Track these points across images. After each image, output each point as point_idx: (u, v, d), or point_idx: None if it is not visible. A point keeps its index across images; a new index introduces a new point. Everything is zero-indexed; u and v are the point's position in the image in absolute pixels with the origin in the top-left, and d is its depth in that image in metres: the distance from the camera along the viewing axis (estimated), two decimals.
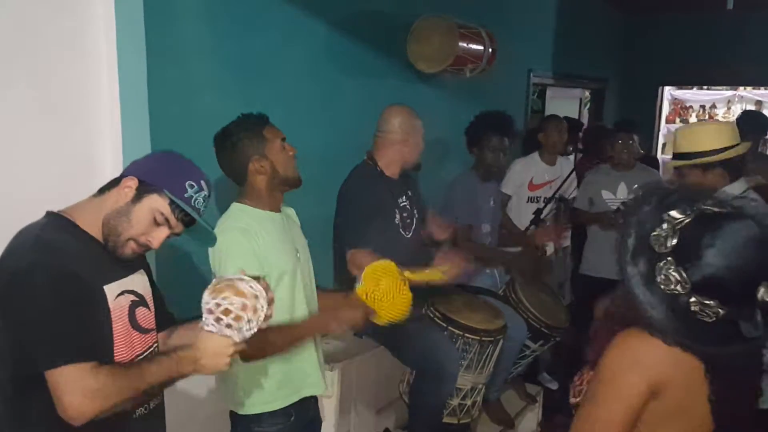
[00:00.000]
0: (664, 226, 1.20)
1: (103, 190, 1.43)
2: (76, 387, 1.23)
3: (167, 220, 1.41)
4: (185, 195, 1.42)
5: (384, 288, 1.93)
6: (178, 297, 1.70)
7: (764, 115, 4.38)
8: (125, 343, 1.39)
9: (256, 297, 1.38)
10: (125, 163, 1.91)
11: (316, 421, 2.13)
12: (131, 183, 1.39)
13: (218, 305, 1.35)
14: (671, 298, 1.19)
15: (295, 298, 1.92)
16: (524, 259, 3.47)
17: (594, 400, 1.26)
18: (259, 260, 1.81)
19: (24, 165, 1.78)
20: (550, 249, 3.95)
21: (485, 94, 3.89)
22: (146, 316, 1.47)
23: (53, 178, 1.81)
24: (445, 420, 2.75)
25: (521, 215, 3.73)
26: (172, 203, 1.40)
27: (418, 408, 2.64)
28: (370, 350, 2.74)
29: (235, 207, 1.94)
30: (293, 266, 1.92)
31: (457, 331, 2.69)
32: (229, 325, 1.35)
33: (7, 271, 1.28)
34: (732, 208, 1.21)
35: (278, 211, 1.97)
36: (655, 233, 1.21)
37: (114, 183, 1.43)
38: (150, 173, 1.41)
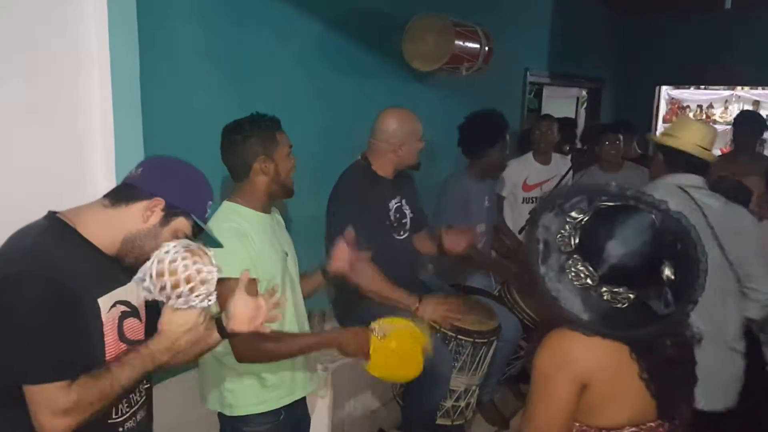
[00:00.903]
0: (567, 227, 1.31)
1: (116, 201, 1.38)
2: (48, 406, 1.21)
3: (186, 236, 1.42)
4: (205, 216, 1.47)
5: (396, 355, 1.94)
6: None
7: (761, 116, 4.38)
8: (115, 356, 1.35)
9: (185, 260, 1.31)
10: (117, 162, 1.90)
11: (305, 420, 2.13)
12: (159, 204, 1.38)
13: (163, 288, 1.29)
14: (584, 291, 1.29)
15: (283, 298, 1.90)
16: (509, 265, 3.47)
17: (531, 401, 1.36)
18: (253, 263, 1.80)
19: (13, 164, 1.75)
20: None
21: (481, 93, 3.87)
22: (134, 328, 1.42)
23: (44, 178, 1.78)
24: (439, 421, 2.74)
25: (517, 216, 3.72)
26: (194, 223, 1.43)
27: (412, 409, 2.63)
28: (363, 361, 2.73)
29: (227, 206, 1.92)
30: (282, 268, 1.92)
31: (450, 333, 2.68)
32: (179, 295, 1.29)
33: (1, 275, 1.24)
34: (626, 200, 1.31)
35: (269, 212, 1.96)
36: (559, 235, 1.31)
37: (129, 195, 1.38)
38: (176, 195, 1.40)
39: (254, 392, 1.89)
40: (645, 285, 1.27)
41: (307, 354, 1.98)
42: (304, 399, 2.08)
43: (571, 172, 3.91)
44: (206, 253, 1.33)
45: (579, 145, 5.23)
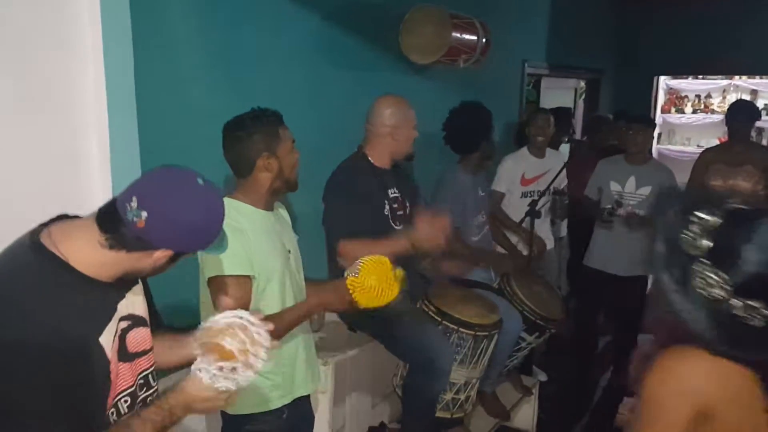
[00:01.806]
0: (693, 228, 1.15)
1: (116, 246, 1.20)
2: None
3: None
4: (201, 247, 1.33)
5: (373, 284, 1.91)
6: (166, 299, 1.67)
7: (754, 105, 4.37)
8: (115, 381, 1.27)
9: (245, 350, 1.28)
10: (113, 157, 1.88)
11: (309, 418, 2.12)
12: (166, 255, 1.25)
13: (209, 364, 1.26)
14: (712, 303, 1.12)
15: (284, 299, 1.89)
16: (510, 260, 3.46)
17: (639, 430, 1.19)
18: (250, 262, 1.79)
19: (6, 161, 1.74)
20: (549, 244, 3.95)
21: (479, 85, 3.86)
22: (139, 338, 1.34)
23: (37, 175, 1.77)
24: (438, 414, 2.74)
25: (516, 211, 3.71)
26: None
27: (412, 402, 2.63)
28: (364, 344, 2.72)
29: (227, 203, 1.88)
30: (282, 267, 1.90)
31: (451, 326, 2.67)
32: (225, 377, 1.26)
33: None
34: (754, 207, 1.17)
35: (271, 209, 1.95)
36: (685, 235, 1.15)
37: (132, 245, 1.21)
38: (186, 245, 1.27)
39: (256, 391, 1.88)
40: None
41: (299, 324, 1.93)
42: (307, 397, 2.08)
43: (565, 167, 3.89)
44: (252, 339, 1.29)
45: (577, 136, 5.22)
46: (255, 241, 1.82)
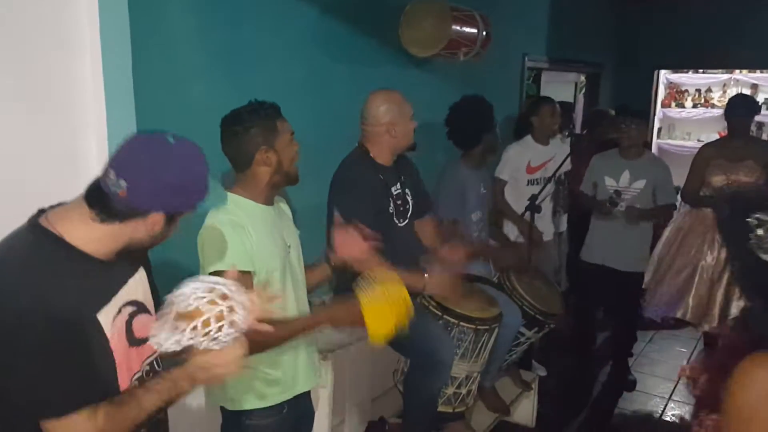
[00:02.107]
0: (758, 231, 1.11)
1: (107, 218, 1.24)
2: None
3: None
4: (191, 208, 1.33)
5: (387, 311, 1.84)
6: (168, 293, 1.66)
7: (753, 99, 4.36)
8: (125, 364, 1.32)
9: (215, 302, 1.26)
10: (111, 153, 1.87)
11: (309, 414, 2.12)
12: (159, 219, 1.27)
13: (180, 337, 1.25)
14: None
15: (285, 293, 1.88)
16: (508, 253, 3.45)
17: None
18: (249, 256, 1.78)
19: (4, 159, 1.73)
20: (547, 236, 3.94)
21: (479, 79, 3.85)
22: (145, 324, 1.36)
23: (37, 173, 1.76)
24: (440, 409, 2.74)
25: (520, 199, 3.70)
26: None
27: (413, 397, 2.63)
28: (364, 339, 2.70)
29: (227, 197, 1.90)
30: (282, 261, 1.89)
31: (452, 320, 2.67)
32: (213, 339, 1.25)
33: None
34: None
35: (271, 203, 1.93)
36: (752, 241, 1.12)
37: (122, 214, 1.24)
38: (175, 205, 1.28)
39: (256, 387, 1.88)
40: None
41: (305, 335, 1.93)
42: (308, 393, 2.07)
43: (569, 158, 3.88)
44: (228, 299, 1.27)
45: (577, 130, 5.21)
46: (255, 236, 1.81)
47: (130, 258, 1.34)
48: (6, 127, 1.70)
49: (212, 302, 1.25)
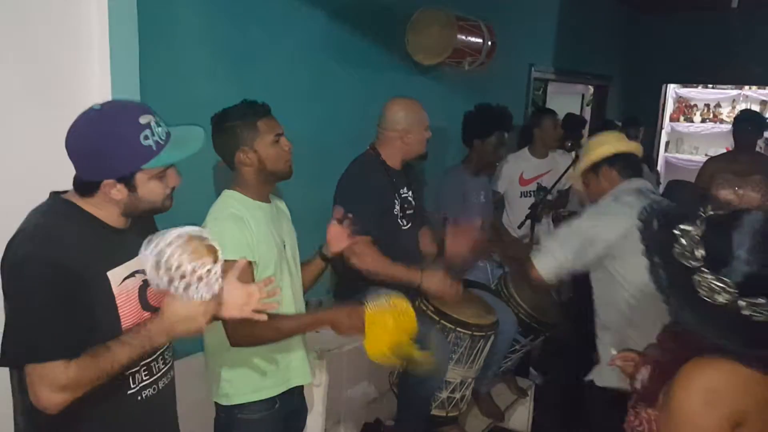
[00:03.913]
0: (682, 240, 1.18)
1: (82, 195, 1.38)
2: (47, 382, 1.25)
3: (165, 169, 1.38)
4: (153, 150, 1.34)
5: (391, 326, 1.87)
6: None
7: (761, 115, 4.36)
8: (135, 324, 1.38)
9: (180, 255, 1.30)
10: None
11: (302, 410, 2.13)
12: (112, 185, 1.34)
13: (194, 270, 1.29)
14: (720, 309, 1.14)
15: (281, 289, 1.89)
16: (514, 244, 3.47)
17: None
18: (250, 247, 1.81)
19: (12, 150, 1.78)
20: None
21: (485, 88, 3.88)
22: (158, 295, 1.44)
23: (43, 164, 1.80)
24: (434, 412, 2.76)
25: (515, 211, 3.73)
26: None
27: (407, 400, 2.65)
28: (360, 340, 2.74)
29: (226, 194, 1.94)
30: (278, 259, 1.92)
31: (449, 325, 2.69)
32: (187, 286, 1.30)
33: (7, 259, 1.30)
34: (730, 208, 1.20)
35: (267, 201, 1.97)
36: (677, 250, 1.18)
37: (84, 189, 1.37)
38: (113, 168, 1.33)
39: (250, 380, 1.91)
40: None
41: (303, 333, 1.97)
42: (301, 389, 2.10)
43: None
44: (207, 246, 1.32)
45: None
46: (255, 230, 1.85)
47: (143, 233, 1.41)
48: (16, 123, 1.75)
49: (200, 252, 1.30)
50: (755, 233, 1.13)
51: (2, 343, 1.29)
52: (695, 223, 1.18)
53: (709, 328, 1.15)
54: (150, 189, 1.38)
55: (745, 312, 1.13)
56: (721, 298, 1.13)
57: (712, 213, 1.19)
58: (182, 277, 1.29)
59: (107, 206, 1.38)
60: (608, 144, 2.37)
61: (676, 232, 1.18)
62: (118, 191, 1.35)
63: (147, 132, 1.32)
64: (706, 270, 1.15)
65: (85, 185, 1.36)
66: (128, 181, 1.35)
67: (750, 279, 1.12)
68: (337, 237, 2.08)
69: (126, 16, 1.93)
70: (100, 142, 1.31)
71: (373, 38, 3.24)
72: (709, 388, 1.14)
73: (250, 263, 1.80)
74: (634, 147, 2.41)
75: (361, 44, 3.18)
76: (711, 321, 1.15)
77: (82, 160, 1.33)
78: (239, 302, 1.45)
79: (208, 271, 1.31)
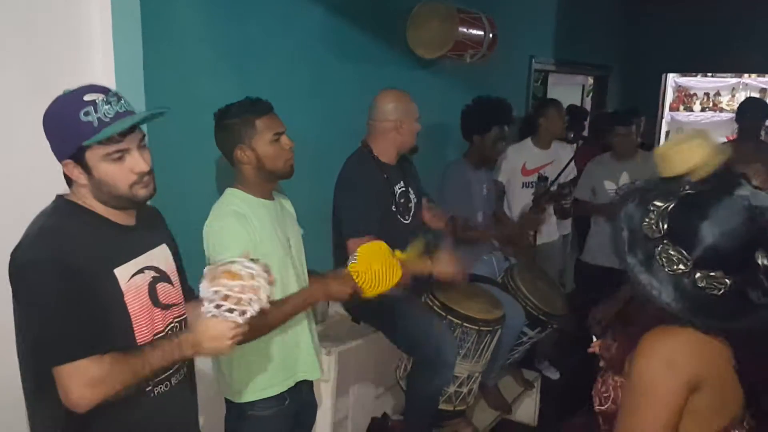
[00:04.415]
0: (652, 215, 1.24)
1: (68, 184, 1.41)
2: (75, 379, 1.26)
3: (116, 151, 1.34)
4: (93, 127, 1.30)
5: (376, 269, 1.94)
6: None
7: (765, 102, 4.34)
8: (146, 321, 1.40)
9: (253, 276, 1.38)
10: None
11: (312, 406, 2.14)
12: (68, 167, 1.35)
13: (216, 292, 1.35)
14: (677, 278, 1.21)
15: (286, 289, 1.90)
16: (519, 235, 3.46)
17: (634, 411, 1.23)
18: (254, 245, 1.81)
19: (16, 150, 1.77)
20: (552, 237, 3.96)
21: (486, 81, 3.86)
22: (168, 292, 1.47)
23: (47, 164, 1.79)
24: (441, 407, 2.77)
25: (516, 201, 3.73)
26: (101, 143, 1.32)
27: (415, 394, 2.66)
28: (367, 335, 2.75)
29: (229, 192, 1.94)
30: (283, 256, 1.91)
31: (456, 321, 2.69)
32: (230, 310, 1.35)
33: (15, 264, 1.30)
34: (711, 186, 1.25)
35: (270, 198, 1.97)
36: (645, 223, 1.24)
37: (66, 176, 1.40)
38: (61, 149, 1.35)
39: (260, 377, 1.91)
40: (741, 269, 1.19)
41: (297, 314, 1.94)
42: (311, 385, 2.10)
43: (573, 161, 3.89)
44: (248, 273, 1.38)
45: (585, 135, 5.21)
46: (258, 227, 1.86)
47: (151, 230, 1.46)
48: (19, 123, 1.74)
49: (240, 277, 1.37)
50: (722, 209, 1.20)
51: (27, 349, 1.31)
52: (668, 199, 1.24)
53: (663, 294, 1.21)
54: (105, 171, 1.34)
55: (701, 284, 1.19)
56: (679, 269, 1.20)
57: (686, 191, 1.25)
58: (220, 296, 1.34)
59: (95, 202, 1.38)
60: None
61: (649, 207, 1.25)
62: (80, 174, 1.35)
63: (89, 109, 1.30)
64: (667, 242, 1.22)
65: (65, 175, 1.38)
66: (80, 161, 1.34)
67: (708, 252, 1.19)
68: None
69: (129, 15, 1.92)
70: (48, 123, 1.35)
71: (373, 33, 3.23)
72: (668, 355, 1.21)
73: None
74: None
75: (362, 40, 3.17)
76: (665, 287, 1.21)
77: (50, 144, 1.36)
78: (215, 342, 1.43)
79: (251, 299, 1.37)
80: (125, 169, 1.36)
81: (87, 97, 1.31)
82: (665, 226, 1.22)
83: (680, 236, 1.21)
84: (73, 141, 1.31)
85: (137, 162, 1.37)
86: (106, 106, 1.32)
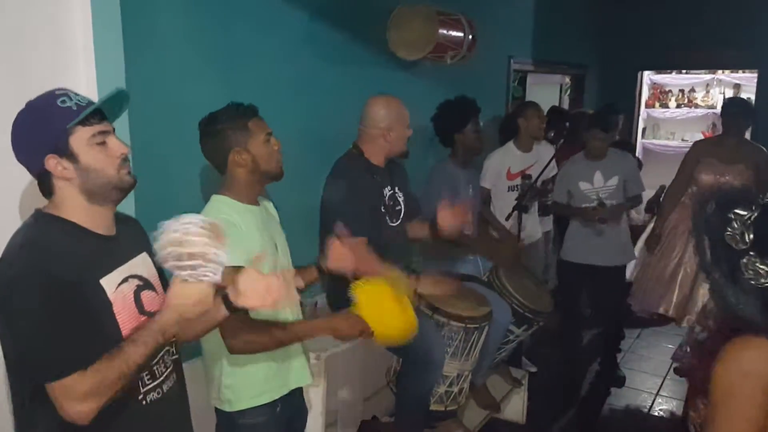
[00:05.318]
0: (734, 224, 1.22)
1: (48, 193, 1.38)
2: (69, 395, 1.25)
3: (99, 132, 1.36)
4: (73, 110, 1.33)
5: (388, 312, 1.91)
6: None
7: (751, 105, 4.38)
8: (134, 330, 1.37)
9: (193, 232, 1.31)
10: None
11: (303, 412, 2.13)
12: (51, 162, 1.33)
13: (179, 255, 1.30)
14: (764, 291, 1.19)
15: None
16: (505, 247, 3.49)
17: (714, 425, 1.23)
18: (247, 253, 1.80)
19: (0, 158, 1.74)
20: (535, 235, 3.99)
21: (466, 81, 3.88)
22: (152, 299, 1.45)
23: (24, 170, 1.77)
24: (432, 407, 2.77)
25: (502, 205, 3.75)
26: (80, 124, 1.33)
27: (405, 396, 2.65)
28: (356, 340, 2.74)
29: (216, 199, 1.92)
30: (272, 261, 1.91)
31: (442, 319, 2.70)
32: (193, 267, 1.30)
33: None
34: None
35: (256, 204, 1.96)
36: (728, 233, 1.23)
37: (42, 185, 1.37)
38: (44, 141, 1.33)
39: (251, 386, 1.90)
40: None
41: (301, 341, 1.97)
42: (301, 391, 2.09)
43: (554, 161, 3.93)
44: (219, 235, 1.34)
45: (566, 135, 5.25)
46: (247, 233, 1.85)
47: (131, 239, 1.45)
48: (2, 128, 1.71)
49: (208, 235, 1.32)
50: None
51: (14, 365, 1.29)
52: (751, 208, 1.22)
53: (750, 308, 1.20)
54: (92, 156, 1.34)
55: None
56: (766, 281, 1.19)
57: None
58: (193, 256, 1.29)
59: (78, 206, 1.36)
60: None
61: (730, 215, 1.22)
62: (65, 168, 1.33)
63: (64, 98, 1.34)
64: (753, 254, 1.20)
65: (41, 184, 1.37)
66: (66, 151, 1.32)
67: None
68: (340, 256, 2.02)
69: (110, 20, 1.90)
70: (22, 126, 1.34)
71: (354, 35, 3.24)
72: (746, 366, 1.20)
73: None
74: None
75: (343, 41, 3.17)
76: (753, 302, 1.20)
77: (21, 154, 1.35)
78: (261, 292, 1.44)
79: (216, 253, 1.32)
80: (110, 154, 1.37)
81: (58, 92, 1.35)
82: (751, 237, 1.20)
83: (767, 248, 1.19)
84: (56, 127, 1.32)
85: (119, 144, 1.39)
86: (78, 96, 1.37)
